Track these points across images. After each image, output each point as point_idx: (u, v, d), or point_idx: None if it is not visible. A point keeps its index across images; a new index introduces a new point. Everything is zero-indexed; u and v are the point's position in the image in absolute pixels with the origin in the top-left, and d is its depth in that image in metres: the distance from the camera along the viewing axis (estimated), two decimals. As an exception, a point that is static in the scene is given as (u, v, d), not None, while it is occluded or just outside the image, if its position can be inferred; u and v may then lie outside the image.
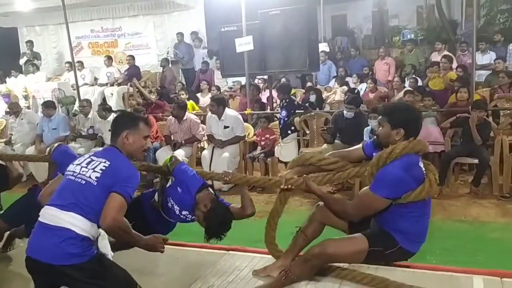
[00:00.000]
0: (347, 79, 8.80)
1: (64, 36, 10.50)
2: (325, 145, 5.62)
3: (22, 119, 7.34)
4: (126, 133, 2.44)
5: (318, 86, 8.93)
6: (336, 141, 5.60)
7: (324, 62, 9.33)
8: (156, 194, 3.03)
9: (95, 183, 2.28)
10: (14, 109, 7.39)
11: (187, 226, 3.03)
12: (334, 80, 8.98)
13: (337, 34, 14.88)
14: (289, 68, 7.14)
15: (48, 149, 3.45)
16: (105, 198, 2.26)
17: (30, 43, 11.22)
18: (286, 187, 2.68)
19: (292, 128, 6.11)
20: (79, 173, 2.35)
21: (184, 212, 2.87)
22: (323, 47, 9.69)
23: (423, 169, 2.41)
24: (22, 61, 10.95)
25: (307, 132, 6.37)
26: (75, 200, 2.26)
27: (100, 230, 2.36)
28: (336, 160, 2.71)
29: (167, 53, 10.62)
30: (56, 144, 3.48)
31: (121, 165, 2.37)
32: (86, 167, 2.35)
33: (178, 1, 9.56)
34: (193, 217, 2.87)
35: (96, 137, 6.79)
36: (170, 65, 10.27)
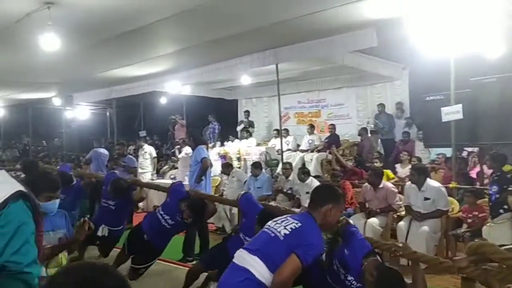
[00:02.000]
0: None
1: (275, 106, 11.69)
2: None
3: (233, 177, 8.28)
4: (331, 206, 2.59)
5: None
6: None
7: (550, 135, 8.00)
8: (324, 254, 2.98)
9: (282, 238, 2.45)
10: (225, 169, 8.41)
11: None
12: None
13: None
14: (505, 140, 6.37)
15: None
16: (286, 254, 2.39)
17: (247, 112, 12.83)
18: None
19: (505, 207, 5.29)
20: (272, 227, 2.55)
21: (349, 278, 2.74)
22: (550, 119, 8.35)
23: None
24: (239, 128, 12.54)
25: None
26: (261, 247, 2.45)
27: None
28: None
29: (367, 123, 10.71)
30: (242, 192, 4.01)
31: (311, 231, 2.50)
32: (280, 224, 2.55)
33: (382, 73, 9.68)
34: (358, 285, 2.71)
35: (294, 198, 7.13)
36: (368, 134, 10.32)
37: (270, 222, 2.65)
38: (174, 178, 10.10)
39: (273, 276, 2.37)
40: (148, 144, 11.21)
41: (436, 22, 5.81)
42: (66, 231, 3.15)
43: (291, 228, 2.49)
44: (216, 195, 8.51)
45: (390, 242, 2.94)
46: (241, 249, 2.56)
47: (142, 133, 13.42)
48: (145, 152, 10.07)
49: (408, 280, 2.68)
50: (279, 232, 2.48)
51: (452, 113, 6.38)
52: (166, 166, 11.26)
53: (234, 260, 2.51)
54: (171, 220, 4.27)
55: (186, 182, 8.02)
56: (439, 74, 7.23)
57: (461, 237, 5.46)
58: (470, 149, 8.30)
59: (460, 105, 6.30)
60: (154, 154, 10.28)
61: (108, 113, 15.16)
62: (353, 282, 2.75)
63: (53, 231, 3.04)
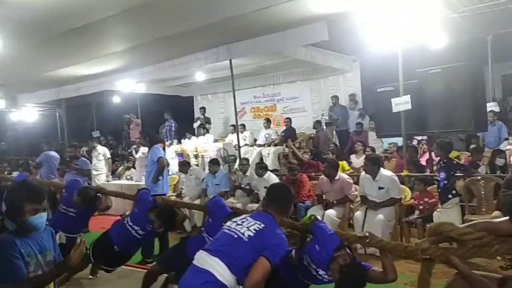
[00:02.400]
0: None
1: (231, 102, 11.65)
2: (496, 212, 4.96)
3: (191, 175, 8.20)
4: (287, 204, 2.73)
5: (486, 149, 8.07)
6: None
7: (492, 122, 8.46)
8: (293, 251, 3.04)
9: (247, 240, 2.45)
10: (182, 166, 8.32)
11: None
12: (505, 140, 8.04)
13: (509, 94, 13.47)
14: (452, 128, 6.67)
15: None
16: (251, 256, 2.41)
17: (203, 109, 12.73)
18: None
19: (454, 192, 5.55)
20: (234, 228, 2.55)
21: (321, 272, 2.80)
22: (492, 106, 8.82)
23: None
24: (196, 125, 12.42)
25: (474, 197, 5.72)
26: (223, 249, 2.45)
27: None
28: (482, 235, 2.38)
29: (322, 115, 10.91)
30: (212, 196, 3.94)
31: (274, 231, 2.54)
32: (241, 225, 2.56)
33: (335, 66, 9.90)
34: (330, 278, 2.78)
35: (252, 193, 7.17)
36: (324, 127, 10.51)
37: (229, 222, 2.65)
38: (130, 179, 9.90)
39: (235, 278, 2.38)
40: (102, 145, 10.90)
41: (383, 15, 5.99)
42: (55, 252, 2.60)
43: (254, 229, 2.51)
44: (175, 194, 8.44)
45: (358, 233, 3.02)
46: (201, 251, 2.53)
47: (95, 134, 13.03)
48: (99, 153, 9.79)
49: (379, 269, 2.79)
50: (243, 233, 2.49)
51: (401, 103, 6.62)
52: (122, 167, 10.99)
53: (194, 262, 2.48)
54: (142, 231, 4.18)
55: (142, 182, 7.90)
56: (388, 66, 7.49)
57: (413, 223, 5.69)
58: (419, 138, 8.63)
59: (409, 95, 6.55)
60: (108, 155, 10.01)
61: (57, 114, 14.59)
62: (324, 276, 2.81)
63: (41, 253, 2.47)
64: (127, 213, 4.56)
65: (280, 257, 2.48)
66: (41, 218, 2.39)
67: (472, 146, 7.92)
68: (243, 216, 2.71)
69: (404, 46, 6.68)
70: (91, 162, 9.58)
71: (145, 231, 4.18)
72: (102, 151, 9.87)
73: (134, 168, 10.32)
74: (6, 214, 2.43)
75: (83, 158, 8.82)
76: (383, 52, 7.12)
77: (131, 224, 4.20)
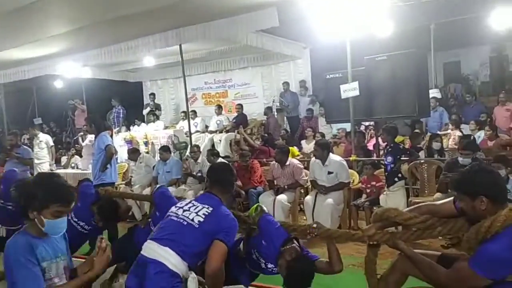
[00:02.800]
0: (462, 126, 8.23)
1: (181, 88, 11.48)
2: (438, 194, 5.21)
3: (140, 162, 8.01)
4: (230, 184, 2.68)
5: (429, 134, 8.46)
6: (449, 190, 5.16)
7: (435, 108, 8.86)
8: (242, 243, 3.03)
9: (197, 226, 2.41)
10: (132, 154, 8.11)
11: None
12: (445, 125, 8.47)
13: (450, 81, 14.14)
14: (397, 114, 6.91)
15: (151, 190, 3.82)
16: (204, 242, 2.38)
17: (152, 95, 12.43)
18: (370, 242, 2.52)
19: (399, 175, 5.79)
20: (182, 215, 2.49)
21: (270, 266, 2.81)
22: (435, 93, 9.24)
23: None
24: (145, 111, 12.12)
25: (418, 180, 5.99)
26: (173, 238, 2.39)
27: (190, 273, 2.42)
28: (425, 218, 2.47)
29: (273, 101, 10.97)
30: (157, 186, 3.79)
31: (223, 213, 2.50)
32: (188, 210, 2.50)
33: (285, 52, 9.94)
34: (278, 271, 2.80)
35: (204, 180, 7.11)
36: (275, 113, 10.58)
37: (174, 209, 2.59)
38: (75, 167, 9.54)
39: (187, 265, 2.34)
40: (45, 132, 10.40)
41: (331, 3, 6.07)
42: (67, 256, 2.27)
43: (203, 214, 2.46)
44: (124, 182, 8.23)
45: (304, 224, 3.02)
46: (149, 240, 2.46)
47: (37, 121, 12.43)
48: (41, 141, 9.32)
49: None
50: (192, 219, 2.44)
51: (349, 90, 6.77)
52: (66, 156, 10.55)
53: (143, 252, 2.41)
54: (88, 226, 3.99)
55: (89, 170, 7.63)
56: (337, 53, 7.62)
57: (361, 207, 5.88)
58: (367, 124, 8.89)
59: (357, 82, 6.71)
60: (51, 143, 9.56)
61: (-5, 100, 13.74)
62: (274, 269, 2.81)
63: (57, 258, 2.16)
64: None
65: (233, 237, 2.46)
66: (63, 223, 2.11)
67: (415, 131, 8.25)
68: (188, 200, 2.66)
69: (352, 34, 6.81)
70: (33, 150, 9.15)
71: (91, 226, 4.00)
72: (44, 139, 9.41)
73: (81, 156, 9.94)
74: (21, 210, 2.12)
75: (25, 146, 8.38)
76: (332, 39, 7.23)
77: (76, 220, 4.01)
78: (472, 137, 6.06)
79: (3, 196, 4.49)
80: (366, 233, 2.55)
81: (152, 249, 2.38)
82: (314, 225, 2.79)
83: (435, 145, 6.71)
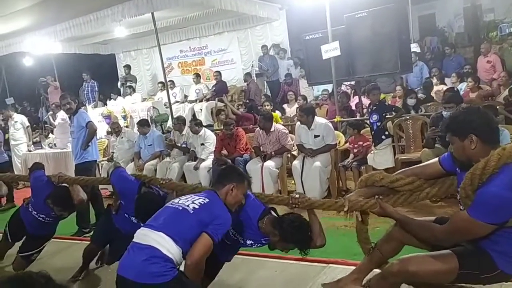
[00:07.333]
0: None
1: (156, 58, 11.14)
2: (425, 149, 5.22)
3: (122, 137, 7.80)
4: (233, 186, 2.55)
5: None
6: (436, 145, 5.17)
7: (415, 63, 8.83)
8: None
9: (192, 212, 2.38)
10: (115, 129, 7.90)
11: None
12: (426, 79, 8.48)
13: (426, 35, 14.08)
14: (379, 71, 6.85)
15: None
16: (196, 229, 2.35)
17: (127, 67, 12.05)
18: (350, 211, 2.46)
19: (386, 133, 5.78)
20: (178, 203, 2.48)
21: (248, 242, 2.78)
22: (414, 47, 9.18)
23: None
24: (120, 84, 11.78)
25: (403, 137, 5.99)
26: (167, 222, 2.36)
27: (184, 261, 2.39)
28: (412, 179, 2.42)
29: (252, 66, 10.77)
30: (113, 168, 3.65)
31: (218, 206, 2.47)
32: (186, 199, 2.50)
33: (260, 15, 9.66)
34: (258, 245, 2.78)
35: (189, 151, 7.00)
36: (254, 78, 10.41)
37: (173, 200, 2.61)
38: (53, 146, 9.26)
39: (180, 250, 2.29)
40: (19, 113, 10.02)
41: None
42: None
43: (199, 203, 2.45)
44: (105, 158, 8.04)
45: (285, 196, 2.92)
46: (142, 228, 2.42)
47: (9, 101, 12.01)
48: (16, 121, 9.00)
49: None
50: (188, 206, 2.42)
51: (330, 50, 6.63)
52: (38, 135, 10.21)
53: (135, 240, 2.35)
54: (48, 217, 3.86)
55: (68, 149, 7.42)
56: (315, 12, 7.43)
57: (349, 167, 5.87)
58: (348, 83, 8.81)
59: (337, 41, 6.56)
60: (27, 123, 9.24)
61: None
62: (253, 245, 2.78)
63: None
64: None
65: (222, 233, 2.40)
66: None
67: (397, 88, 8.21)
68: (188, 195, 2.64)
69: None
70: (8, 131, 8.85)
71: (52, 217, 3.88)
72: (19, 119, 9.09)
73: (53, 134, 9.64)
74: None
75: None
76: (309, -1, 7.03)
77: (35, 212, 3.88)
78: (455, 89, 6.06)
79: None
80: (348, 199, 2.48)
81: (145, 235, 2.34)
82: (297, 195, 2.68)
83: (410, 102, 6.71)
